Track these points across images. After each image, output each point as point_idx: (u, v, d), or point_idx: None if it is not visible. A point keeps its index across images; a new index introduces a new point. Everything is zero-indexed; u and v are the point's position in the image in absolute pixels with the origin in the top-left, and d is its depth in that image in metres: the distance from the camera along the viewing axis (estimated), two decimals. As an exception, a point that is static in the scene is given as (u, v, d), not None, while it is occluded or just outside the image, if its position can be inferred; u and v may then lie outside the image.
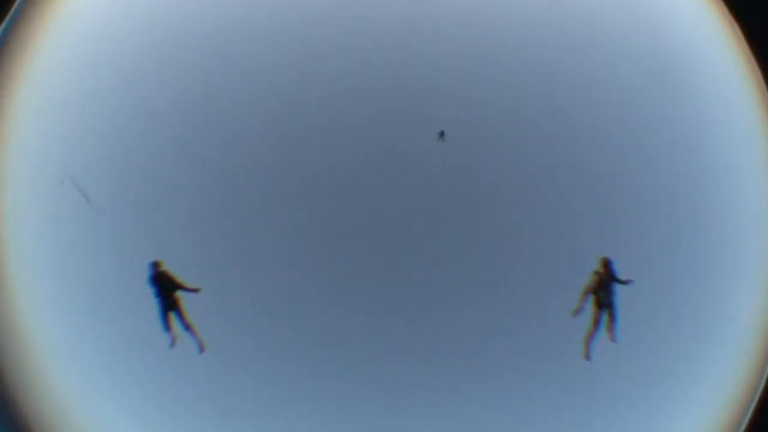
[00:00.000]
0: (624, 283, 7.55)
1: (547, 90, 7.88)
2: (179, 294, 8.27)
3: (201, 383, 7.68)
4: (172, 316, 8.18)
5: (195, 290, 8.11)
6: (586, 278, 7.44)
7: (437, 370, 7.60)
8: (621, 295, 7.68)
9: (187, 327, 8.10)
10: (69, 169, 7.72)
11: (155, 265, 8.11)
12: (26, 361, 7.59)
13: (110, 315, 7.77)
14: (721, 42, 8.54)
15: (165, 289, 8.13)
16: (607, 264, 7.68)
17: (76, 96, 7.72)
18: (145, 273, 8.02)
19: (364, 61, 7.76)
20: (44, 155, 7.72)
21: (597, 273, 7.59)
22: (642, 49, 8.04)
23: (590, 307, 7.64)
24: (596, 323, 7.61)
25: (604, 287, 7.57)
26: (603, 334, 7.46)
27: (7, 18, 7.44)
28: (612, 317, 7.56)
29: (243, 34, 7.83)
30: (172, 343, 8.20)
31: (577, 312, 7.45)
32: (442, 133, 7.01)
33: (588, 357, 7.47)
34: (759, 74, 8.28)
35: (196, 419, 7.54)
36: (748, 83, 8.37)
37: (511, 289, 7.61)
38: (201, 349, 8.14)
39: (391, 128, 7.60)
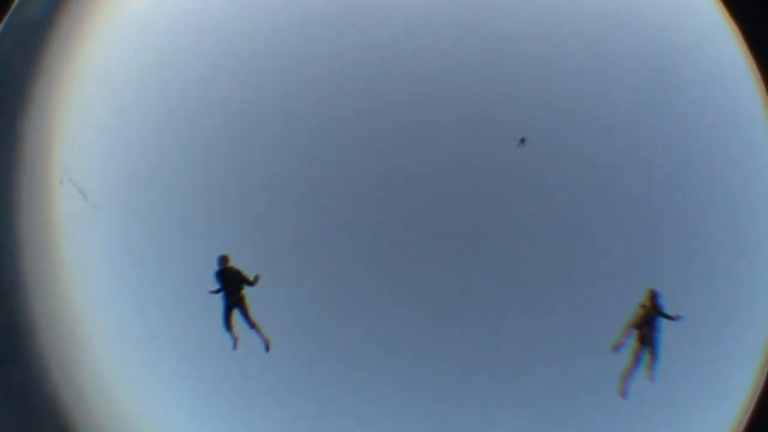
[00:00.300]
0: (672, 318, 7.40)
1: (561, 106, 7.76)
2: (245, 291, 7.73)
3: (269, 383, 7.46)
4: (235, 315, 7.70)
5: (256, 280, 7.65)
6: (630, 311, 7.31)
7: (473, 401, 7.63)
8: (666, 331, 7.58)
9: (252, 325, 7.72)
10: (67, 168, 6.98)
11: (223, 259, 7.60)
12: (84, 363, 6.98)
13: (169, 317, 7.33)
14: (723, 45, 8.56)
15: (231, 285, 7.57)
16: (654, 297, 7.47)
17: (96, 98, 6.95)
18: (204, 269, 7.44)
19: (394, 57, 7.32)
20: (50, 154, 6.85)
21: (643, 306, 7.43)
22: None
23: (632, 342, 7.46)
24: (636, 360, 7.45)
25: (648, 322, 7.40)
26: (642, 371, 7.35)
27: (6, 17, 6.25)
28: (653, 355, 7.37)
29: (243, 34, 7.21)
30: (235, 345, 7.75)
31: (618, 347, 7.37)
32: (523, 140, 6.75)
33: (624, 394, 7.35)
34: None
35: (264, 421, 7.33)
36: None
37: (548, 322, 7.65)
38: (267, 348, 7.75)
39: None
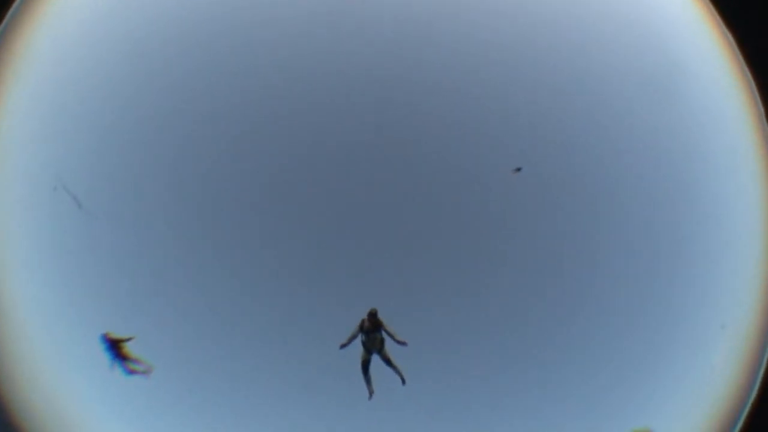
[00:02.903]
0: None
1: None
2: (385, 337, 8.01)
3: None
4: (370, 364, 7.98)
5: (403, 342, 7.92)
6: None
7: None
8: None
9: (388, 362, 7.98)
10: (61, 175, 7.21)
11: (372, 315, 7.91)
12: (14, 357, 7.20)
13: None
14: (715, 50, 8.69)
15: (372, 338, 7.90)
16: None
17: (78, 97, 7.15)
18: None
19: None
20: (39, 158, 7.13)
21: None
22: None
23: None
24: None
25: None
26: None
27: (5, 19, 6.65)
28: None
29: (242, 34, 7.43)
30: (371, 395, 7.95)
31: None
32: (518, 169, 6.92)
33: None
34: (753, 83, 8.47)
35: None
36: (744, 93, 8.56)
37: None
38: (403, 381, 7.96)
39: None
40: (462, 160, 7.86)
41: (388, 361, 7.92)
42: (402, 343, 7.85)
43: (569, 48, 8.00)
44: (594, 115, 8.05)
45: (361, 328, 7.85)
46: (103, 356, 7.16)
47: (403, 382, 7.83)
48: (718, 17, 8.38)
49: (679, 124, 8.26)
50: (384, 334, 7.85)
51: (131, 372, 7.54)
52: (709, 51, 8.41)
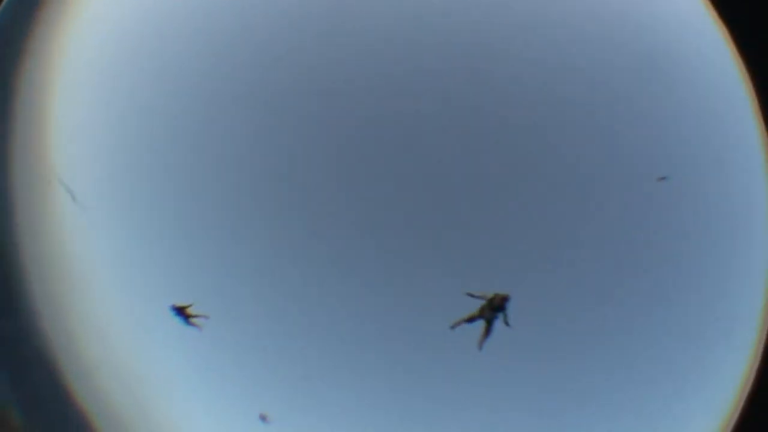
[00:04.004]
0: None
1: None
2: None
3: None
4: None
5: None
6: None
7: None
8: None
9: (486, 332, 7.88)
10: (56, 168, 6.95)
11: (504, 299, 7.71)
12: (76, 311, 6.98)
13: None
14: (712, 44, 8.66)
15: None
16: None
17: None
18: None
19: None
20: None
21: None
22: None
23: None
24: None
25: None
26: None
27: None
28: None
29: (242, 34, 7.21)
30: (455, 327, 7.83)
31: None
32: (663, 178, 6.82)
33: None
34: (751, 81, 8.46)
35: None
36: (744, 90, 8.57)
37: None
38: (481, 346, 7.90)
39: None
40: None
41: (486, 331, 7.84)
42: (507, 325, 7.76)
43: (561, 46, 7.95)
44: (594, 115, 8.02)
45: (487, 310, 7.66)
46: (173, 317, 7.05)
47: (481, 346, 7.71)
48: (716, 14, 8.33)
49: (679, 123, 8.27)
50: (498, 318, 7.71)
51: (190, 324, 7.44)
52: (708, 48, 8.40)
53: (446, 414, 7.67)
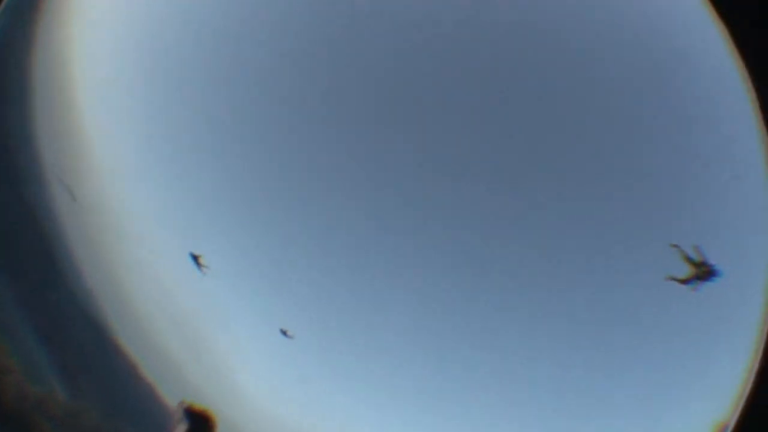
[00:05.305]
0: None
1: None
2: None
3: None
4: None
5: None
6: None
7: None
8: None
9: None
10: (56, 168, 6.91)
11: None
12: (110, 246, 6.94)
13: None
14: (713, 45, 8.62)
15: None
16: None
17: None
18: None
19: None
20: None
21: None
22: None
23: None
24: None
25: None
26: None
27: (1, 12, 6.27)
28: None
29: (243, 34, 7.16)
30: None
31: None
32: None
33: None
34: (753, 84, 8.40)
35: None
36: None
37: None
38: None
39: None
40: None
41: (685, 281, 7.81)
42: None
43: (561, 46, 7.91)
44: (593, 115, 7.98)
45: (695, 277, 7.59)
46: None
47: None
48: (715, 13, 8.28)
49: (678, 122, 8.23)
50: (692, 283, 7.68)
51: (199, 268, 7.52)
52: (708, 46, 8.36)
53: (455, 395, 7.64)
